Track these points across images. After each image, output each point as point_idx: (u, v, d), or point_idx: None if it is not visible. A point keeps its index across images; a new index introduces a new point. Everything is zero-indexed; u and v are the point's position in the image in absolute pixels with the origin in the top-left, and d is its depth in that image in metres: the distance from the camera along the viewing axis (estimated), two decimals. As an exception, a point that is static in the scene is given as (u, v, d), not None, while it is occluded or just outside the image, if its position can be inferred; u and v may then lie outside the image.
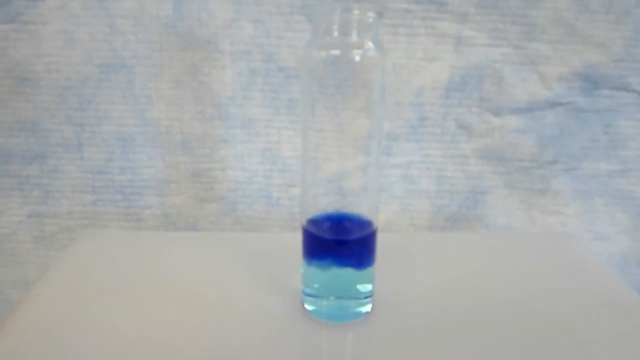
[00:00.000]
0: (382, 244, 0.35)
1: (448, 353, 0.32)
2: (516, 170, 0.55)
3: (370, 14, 0.30)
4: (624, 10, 0.50)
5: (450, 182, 0.56)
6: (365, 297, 0.35)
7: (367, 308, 0.35)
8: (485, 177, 0.56)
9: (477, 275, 0.40)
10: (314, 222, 0.34)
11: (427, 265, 0.42)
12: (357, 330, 0.34)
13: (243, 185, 0.55)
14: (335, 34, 0.31)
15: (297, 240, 0.37)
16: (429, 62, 0.52)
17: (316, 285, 0.34)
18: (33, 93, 0.52)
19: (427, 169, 0.55)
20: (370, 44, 0.31)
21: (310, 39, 0.32)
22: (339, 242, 0.33)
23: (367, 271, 0.34)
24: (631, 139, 0.55)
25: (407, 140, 0.54)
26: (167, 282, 0.39)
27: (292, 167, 0.55)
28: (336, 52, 0.31)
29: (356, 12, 0.30)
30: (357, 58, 0.31)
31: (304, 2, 0.50)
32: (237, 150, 0.54)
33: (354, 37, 0.31)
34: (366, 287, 0.35)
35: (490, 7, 0.50)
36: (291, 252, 0.39)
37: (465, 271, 0.41)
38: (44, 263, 0.57)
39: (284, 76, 0.52)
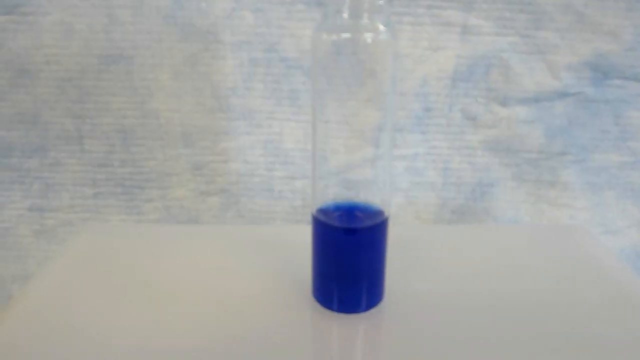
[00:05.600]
0: (388, 237, 0.34)
1: (457, 345, 0.31)
2: (524, 162, 0.54)
3: None
4: (635, -3, 0.49)
5: (456, 175, 0.55)
6: (377, 288, 0.34)
7: (378, 299, 0.34)
8: (493, 169, 0.55)
9: (486, 269, 0.39)
10: (324, 211, 0.33)
11: (434, 259, 0.41)
12: (368, 321, 0.33)
13: (245, 178, 0.54)
14: (345, 15, 0.30)
15: (300, 233, 0.37)
16: (434, 52, 0.51)
17: (326, 275, 0.34)
18: (32, 85, 0.51)
19: (432, 161, 0.54)
20: (381, 27, 0.30)
21: (320, 23, 0.31)
22: (350, 230, 0.32)
23: (378, 261, 0.33)
24: (642, 130, 0.53)
25: (412, 132, 0.53)
26: (168, 276, 0.38)
27: (294, 159, 0.54)
28: (347, 35, 0.30)
29: None
30: (369, 41, 0.30)
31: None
32: (238, 142, 0.53)
33: (365, 20, 0.30)
34: (378, 277, 0.34)
35: (497, -5, 0.49)
36: (295, 244, 0.38)
37: (473, 264, 0.40)
38: (45, 257, 0.57)
39: (285, 66, 0.51)
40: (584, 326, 0.33)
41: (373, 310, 0.34)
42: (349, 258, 0.32)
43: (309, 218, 0.34)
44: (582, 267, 0.40)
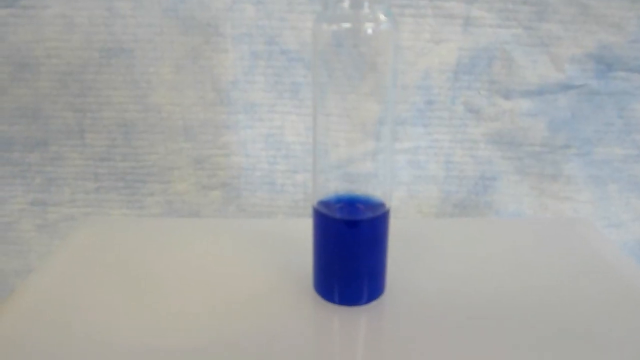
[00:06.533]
0: (389, 231, 0.34)
1: (458, 338, 0.31)
2: (527, 155, 0.54)
3: None
4: (639, -12, 0.48)
5: (458, 168, 0.54)
6: (378, 280, 0.34)
7: (379, 292, 0.34)
8: (495, 163, 0.54)
9: (488, 262, 0.39)
10: (325, 203, 0.33)
11: (435, 252, 0.40)
12: (369, 313, 0.33)
13: (247, 172, 0.54)
14: (346, 5, 0.30)
15: (302, 227, 0.37)
16: (436, 44, 0.50)
17: (327, 267, 0.33)
18: (33, 79, 0.51)
19: (434, 154, 0.54)
20: (382, 17, 0.30)
21: (320, 13, 0.31)
22: (351, 222, 0.32)
23: (379, 253, 0.33)
24: (646, 123, 0.53)
25: (414, 125, 0.53)
26: (170, 269, 0.38)
27: (296, 153, 0.54)
28: (347, 25, 0.30)
29: None
30: (370, 31, 0.30)
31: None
32: (240, 136, 0.53)
33: (366, 10, 0.30)
34: (379, 270, 0.34)
35: (500, -14, 0.49)
36: (296, 238, 0.38)
37: (475, 258, 0.40)
38: (47, 251, 0.57)
39: (287, 59, 0.51)
40: (587, 319, 0.33)
41: (374, 303, 0.34)
42: (350, 250, 0.32)
43: (311, 212, 0.33)
44: (586, 260, 0.40)
